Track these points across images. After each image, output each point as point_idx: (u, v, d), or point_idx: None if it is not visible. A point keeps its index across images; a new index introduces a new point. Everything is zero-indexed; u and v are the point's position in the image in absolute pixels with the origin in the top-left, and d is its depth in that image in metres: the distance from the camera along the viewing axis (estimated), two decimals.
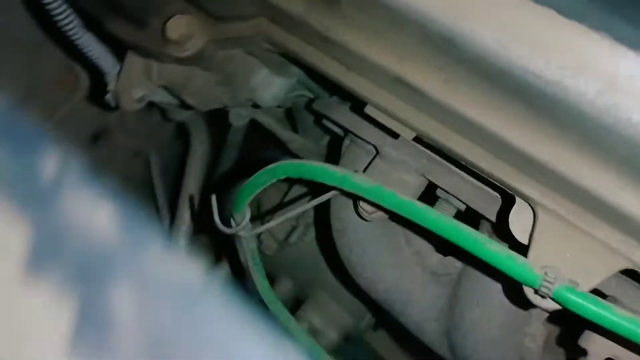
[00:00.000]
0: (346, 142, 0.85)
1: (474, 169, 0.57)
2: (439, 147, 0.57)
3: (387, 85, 0.56)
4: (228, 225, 0.78)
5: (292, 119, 1.18)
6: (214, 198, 0.77)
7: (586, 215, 0.51)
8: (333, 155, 1.15)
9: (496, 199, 0.69)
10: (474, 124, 0.50)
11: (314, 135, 1.19)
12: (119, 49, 0.78)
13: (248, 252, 0.83)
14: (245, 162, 1.41)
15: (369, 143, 0.76)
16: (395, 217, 0.70)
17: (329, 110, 0.84)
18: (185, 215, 1.27)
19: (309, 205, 0.78)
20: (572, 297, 0.50)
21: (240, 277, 1.39)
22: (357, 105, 0.75)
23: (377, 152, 0.76)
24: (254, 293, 1.43)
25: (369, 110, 0.61)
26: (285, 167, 0.65)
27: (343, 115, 0.80)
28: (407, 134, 0.59)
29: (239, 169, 1.40)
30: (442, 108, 0.51)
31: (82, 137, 1.25)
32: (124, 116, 1.26)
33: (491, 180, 0.57)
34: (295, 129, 1.19)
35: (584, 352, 0.61)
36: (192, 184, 1.27)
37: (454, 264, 0.81)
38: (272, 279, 1.37)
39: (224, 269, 1.42)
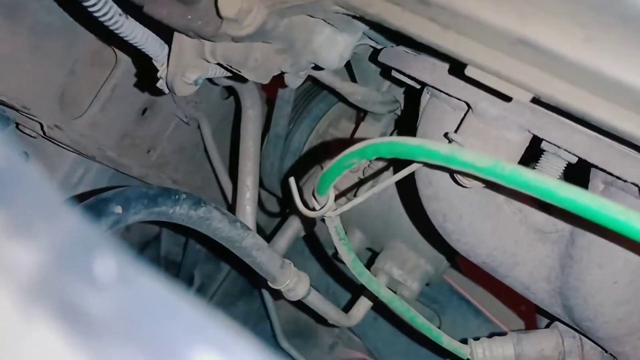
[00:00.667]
0: (425, 95, 0.76)
1: (611, 132, 0.48)
2: (566, 109, 0.48)
3: (500, 46, 0.46)
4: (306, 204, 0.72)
5: (348, 67, 1.08)
6: (292, 181, 0.71)
7: None
8: (408, 108, 1.06)
9: (617, 148, 0.59)
10: (624, 87, 0.40)
11: (375, 82, 1.10)
12: (164, 28, 0.69)
13: (334, 232, 0.77)
14: None
15: (459, 99, 0.67)
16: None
17: (403, 64, 0.74)
18: (248, 180, 1.21)
19: (394, 178, 0.71)
20: None
21: (309, 232, 1.35)
22: (437, 55, 0.66)
23: (470, 108, 0.67)
24: (325, 246, 1.39)
25: (471, 72, 0.52)
26: (376, 147, 0.57)
27: (422, 69, 0.70)
28: (524, 96, 0.50)
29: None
30: (578, 69, 0.42)
31: (130, 113, 1.19)
32: None
33: (632, 142, 0.47)
34: (352, 79, 1.09)
35: None
36: (250, 148, 1.20)
37: (564, 220, 0.73)
38: None
39: (294, 225, 1.36)
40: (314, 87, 1.34)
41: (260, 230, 1.49)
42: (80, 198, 1.21)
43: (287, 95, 1.24)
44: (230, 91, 1.31)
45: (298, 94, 1.31)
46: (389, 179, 0.70)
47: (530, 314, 1.16)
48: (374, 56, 0.89)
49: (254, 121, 1.20)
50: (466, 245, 0.76)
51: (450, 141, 0.69)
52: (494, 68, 0.49)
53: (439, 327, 1.48)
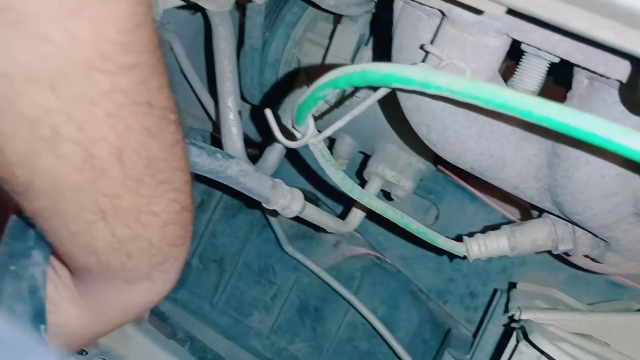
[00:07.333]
0: (398, 2, 0.71)
1: (590, 39, 0.45)
2: (543, 20, 0.45)
3: None
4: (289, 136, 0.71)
5: None
6: (269, 112, 0.68)
7: None
8: (381, 13, 1.01)
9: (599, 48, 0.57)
10: None
11: None
12: None
13: (319, 155, 0.76)
14: None
15: (433, 7, 0.63)
16: None
17: None
18: (229, 101, 1.18)
19: (372, 99, 0.68)
20: None
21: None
22: None
23: (444, 15, 0.63)
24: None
25: None
26: (348, 77, 0.54)
27: None
28: (497, 10, 0.46)
29: None
30: None
31: None
32: None
33: (615, 48, 0.45)
34: None
35: None
36: (227, 67, 1.15)
37: None
38: (331, 140, 1.32)
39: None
40: None
41: (253, 145, 1.47)
42: None
43: (257, 5, 1.18)
44: (196, 7, 1.24)
45: (268, 1, 1.24)
46: (367, 100, 0.68)
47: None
48: None
49: (225, 38, 1.14)
50: (452, 154, 0.75)
51: (426, 53, 0.66)
52: None
53: (436, 217, 1.51)
